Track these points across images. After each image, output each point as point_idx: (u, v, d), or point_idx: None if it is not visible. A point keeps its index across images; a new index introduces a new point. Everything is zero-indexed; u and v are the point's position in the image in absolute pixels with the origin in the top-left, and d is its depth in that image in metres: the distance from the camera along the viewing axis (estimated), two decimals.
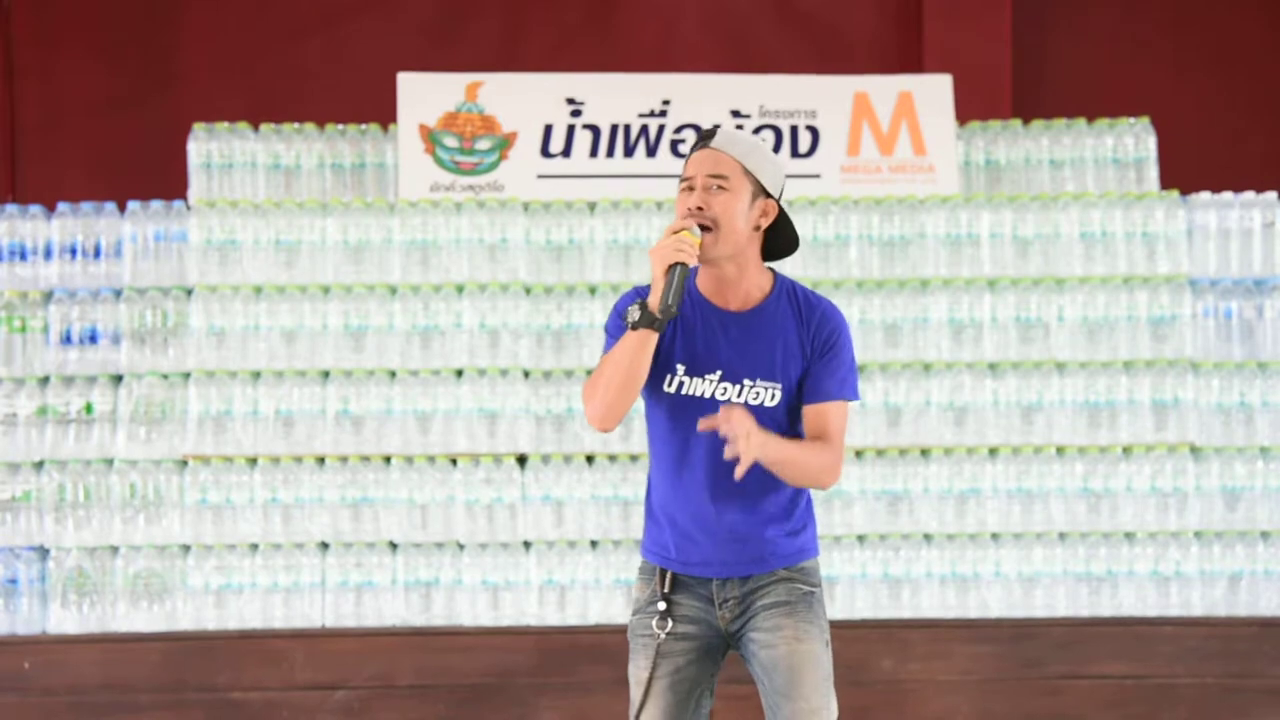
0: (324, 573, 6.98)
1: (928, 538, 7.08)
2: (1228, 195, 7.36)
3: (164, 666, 6.85)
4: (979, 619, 7.00)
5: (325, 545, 7.02)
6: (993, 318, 7.19)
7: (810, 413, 4.25)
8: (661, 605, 4.23)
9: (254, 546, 6.98)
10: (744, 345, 4.21)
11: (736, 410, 4.03)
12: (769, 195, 4.27)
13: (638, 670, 4.24)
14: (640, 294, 4.24)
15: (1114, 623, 6.99)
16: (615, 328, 4.23)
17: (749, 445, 4.00)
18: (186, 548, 6.99)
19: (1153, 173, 7.51)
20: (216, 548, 6.95)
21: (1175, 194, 7.33)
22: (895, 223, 7.26)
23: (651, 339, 4.09)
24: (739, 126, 7.42)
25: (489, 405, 7.05)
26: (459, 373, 7.10)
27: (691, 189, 4.21)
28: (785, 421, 4.23)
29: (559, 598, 6.99)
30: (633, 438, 7.05)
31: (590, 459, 7.06)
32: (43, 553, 7.00)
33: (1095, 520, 7.09)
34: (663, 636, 4.21)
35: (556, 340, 7.13)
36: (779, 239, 4.34)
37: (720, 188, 4.20)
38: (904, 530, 7.06)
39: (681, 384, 4.21)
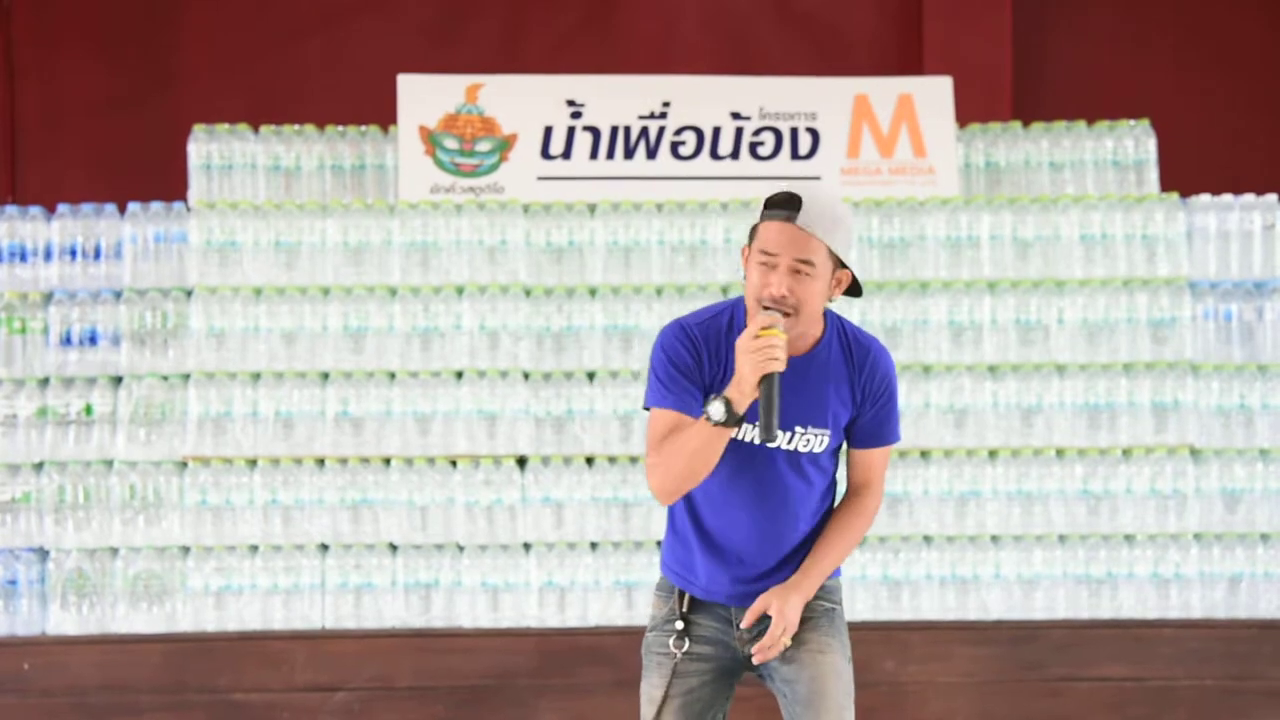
0: (324, 574, 6.97)
1: (928, 539, 7.08)
2: (1228, 197, 7.36)
3: (164, 668, 6.85)
4: (979, 621, 7.00)
5: (325, 547, 7.02)
6: (993, 320, 7.19)
7: (859, 459, 4.23)
8: (679, 624, 4.19)
9: (254, 548, 6.98)
10: (795, 392, 4.11)
11: (774, 628, 4.07)
12: (844, 265, 4.14)
13: (651, 688, 4.20)
14: (686, 328, 4.13)
15: (1114, 625, 6.99)
16: (664, 373, 4.10)
17: (792, 628, 4.09)
18: (186, 549, 6.98)
19: (1153, 175, 7.51)
20: (216, 549, 6.95)
21: (1175, 196, 7.33)
22: (895, 225, 7.26)
23: (728, 435, 3.99)
24: (739, 129, 7.42)
25: (489, 407, 7.05)
26: (459, 374, 7.10)
27: (772, 267, 4.05)
28: (828, 463, 4.20)
29: (559, 599, 6.98)
30: (632, 439, 7.05)
31: (590, 461, 7.06)
32: (42, 554, 6.99)
33: (1095, 522, 7.09)
34: (679, 656, 4.17)
35: (556, 342, 7.13)
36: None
37: (806, 274, 4.05)
38: (904, 532, 7.06)
39: None
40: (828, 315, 4.20)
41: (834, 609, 4.23)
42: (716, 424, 3.95)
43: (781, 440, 4.11)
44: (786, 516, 4.16)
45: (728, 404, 3.95)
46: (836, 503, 4.29)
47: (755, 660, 4.11)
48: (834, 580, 4.26)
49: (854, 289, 4.23)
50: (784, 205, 4.07)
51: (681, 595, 4.21)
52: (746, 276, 4.14)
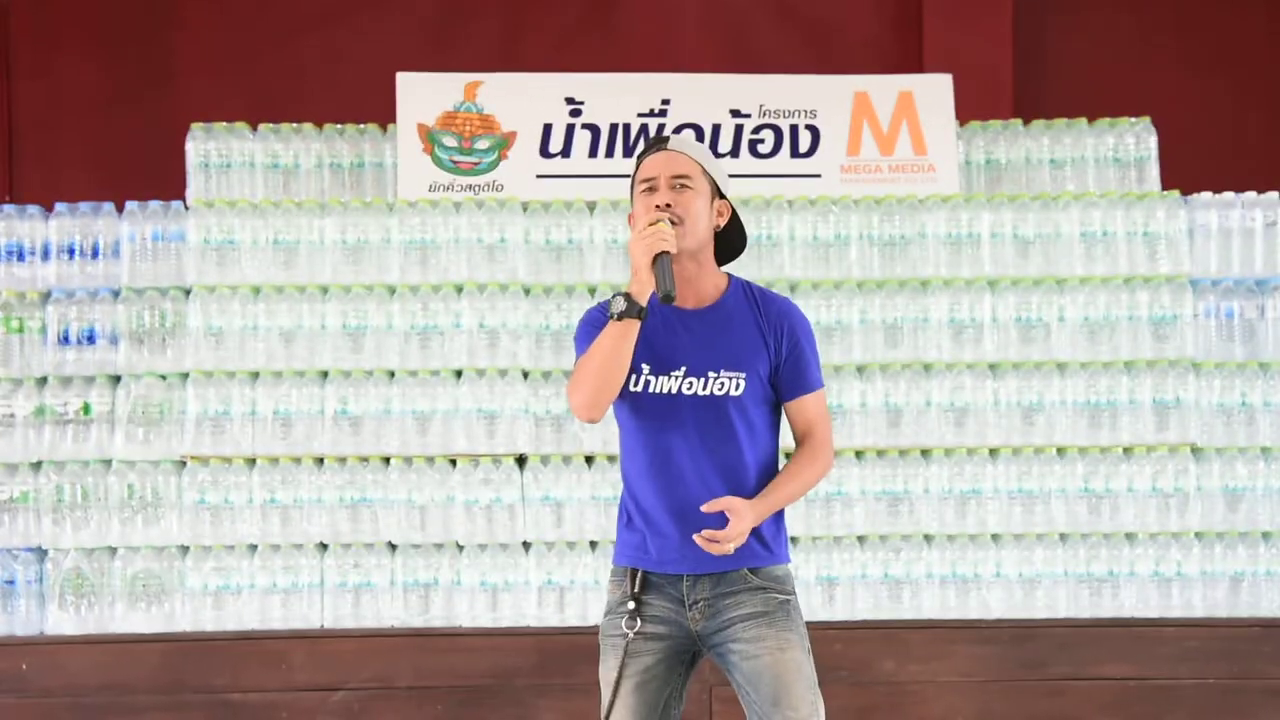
0: (322, 573, 6.96)
1: (928, 538, 7.07)
2: (1229, 195, 7.34)
3: (162, 668, 6.84)
4: (980, 620, 6.99)
5: (324, 546, 7.00)
6: (993, 318, 7.18)
7: (794, 409, 4.44)
8: (631, 605, 4.30)
9: (252, 547, 6.97)
10: (705, 340, 4.36)
11: (729, 528, 4.19)
12: (723, 195, 4.47)
13: (607, 671, 4.36)
14: (598, 304, 4.41)
15: (1115, 624, 6.98)
16: (582, 334, 4.39)
17: (738, 540, 4.22)
18: (185, 548, 6.97)
19: (1154, 172, 7.49)
20: (215, 548, 6.93)
21: (1176, 194, 7.32)
22: (895, 222, 7.24)
23: (634, 328, 4.24)
24: (738, 127, 7.41)
25: (488, 406, 7.03)
26: (458, 373, 7.09)
27: (653, 189, 4.37)
28: (758, 417, 4.38)
29: (558, 599, 6.97)
30: None
31: (589, 460, 7.05)
32: (41, 554, 6.98)
33: (1096, 521, 7.07)
34: (631, 636, 4.30)
35: (555, 340, 7.11)
36: (729, 241, 4.53)
37: (684, 186, 4.37)
38: (904, 531, 7.05)
39: (648, 383, 4.34)
40: (732, 277, 4.48)
41: (789, 600, 4.37)
42: (620, 316, 4.21)
43: (697, 386, 4.33)
44: (718, 466, 4.31)
45: (627, 296, 4.22)
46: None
47: (697, 540, 4.22)
48: (784, 568, 4.40)
49: (738, 236, 4.53)
50: (654, 143, 4.46)
51: (634, 576, 4.31)
52: (634, 230, 4.39)
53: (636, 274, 4.23)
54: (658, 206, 4.34)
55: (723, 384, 4.33)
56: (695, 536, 4.21)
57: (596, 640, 6.81)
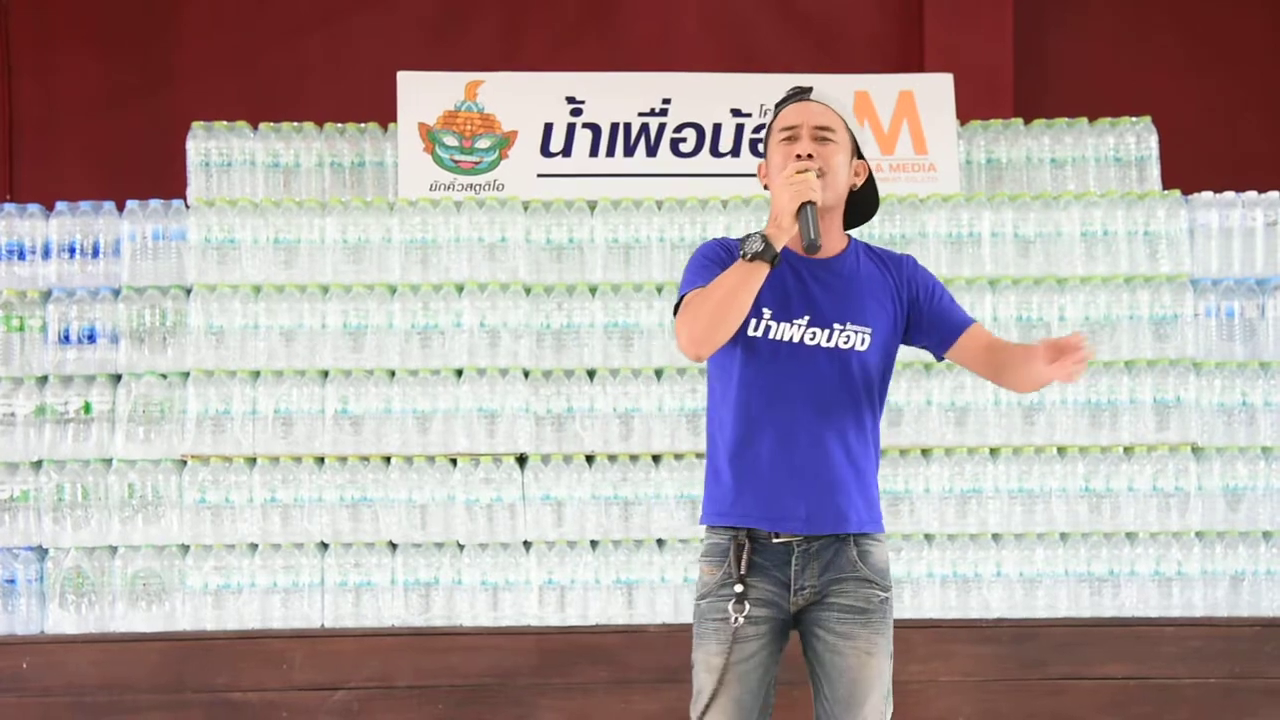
0: (323, 573, 6.95)
1: (929, 538, 7.06)
2: (1230, 194, 7.34)
3: (162, 667, 6.83)
4: (980, 619, 6.98)
5: (324, 545, 7.00)
6: (994, 317, 7.17)
7: (968, 341, 4.28)
8: (738, 588, 4.14)
9: (253, 546, 6.96)
10: (833, 291, 4.21)
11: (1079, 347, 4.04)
12: (860, 155, 4.33)
13: (709, 656, 4.15)
14: (719, 239, 4.26)
15: (1116, 623, 6.97)
16: (698, 265, 4.19)
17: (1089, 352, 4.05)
18: (185, 548, 6.96)
19: (1154, 172, 7.49)
20: (215, 548, 6.93)
21: (1177, 193, 7.31)
22: (896, 221, 7.24)
23: (763, 272, 4.04)
24: (739, 126, 7.41)
25: (489, 405, 7.03)
26: (458, 372, 7.08)
27: (794, 139, 4.22)
28: (872, 367, 4.23)
29: (559, 598, 6.96)
30: (633, 438, 7.03)
31: (590, 459, 7.04)
32: (41, 553, 6.97)
33: (1097, 520, 7.07)
34: (740, 621, 4.13)
35: (556, 340, 7.11)
36: (859, 205, 4.39)
37: (826, 139, 4.23)
38: (905, 530, 7.04)
39: (769, 328, 4.18)
40: (851, 238, 4.34)
41: (887, 599, 4.23)
42: (753, 257, 4.02)
43: (821, 337, 4.17)
44: (831, 420, 4.16)
45: (764, 238, 4.02)
46: (879, 447, 4.32)
47: (1059, 371, 4.06)
48: (884, 550, 4.26)
49: (870, 200, 4.37)
50: (796, 92, 4.29)
51: (739, 557, 4.16)
52: (769, 179, 4.25)
53: (776, 219, 4.05)
54: (799, 156, 4.18)
55: (848, 338, 4.18)
56: (1055, 365, 4.03)
57: (597, 640, 6.83)
